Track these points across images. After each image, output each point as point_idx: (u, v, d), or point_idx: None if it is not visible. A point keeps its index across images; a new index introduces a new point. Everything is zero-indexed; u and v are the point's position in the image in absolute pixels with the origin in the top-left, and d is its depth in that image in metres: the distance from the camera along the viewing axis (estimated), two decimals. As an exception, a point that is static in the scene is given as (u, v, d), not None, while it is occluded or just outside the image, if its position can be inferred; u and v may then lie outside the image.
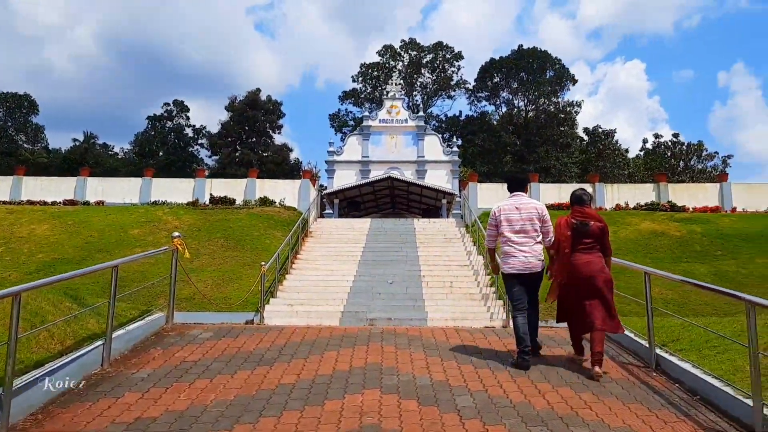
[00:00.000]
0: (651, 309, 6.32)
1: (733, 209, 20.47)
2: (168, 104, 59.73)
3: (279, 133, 57.47)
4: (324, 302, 13.63)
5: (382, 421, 4.78)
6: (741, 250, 16.96)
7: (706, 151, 48.53)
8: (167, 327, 8.03)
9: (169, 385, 5.63)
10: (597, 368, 5.89)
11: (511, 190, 6.65)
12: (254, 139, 55.12)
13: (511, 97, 55.01)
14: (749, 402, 4.58)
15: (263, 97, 56.22)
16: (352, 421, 4.79)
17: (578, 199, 6.39)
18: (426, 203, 36.04)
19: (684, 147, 48.77)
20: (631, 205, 20.75)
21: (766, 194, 21.45)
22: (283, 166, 52.60)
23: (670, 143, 49.45)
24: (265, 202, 22.81)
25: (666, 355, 6.14)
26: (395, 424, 4.73)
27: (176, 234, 8.50)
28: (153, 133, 58.48)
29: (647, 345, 6.39)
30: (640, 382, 5.79)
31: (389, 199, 37.11)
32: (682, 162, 48.26)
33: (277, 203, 22.95)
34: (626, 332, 7.15)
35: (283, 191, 23.83)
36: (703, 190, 21.86)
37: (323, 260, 16.78)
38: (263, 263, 13.08)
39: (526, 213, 6.41)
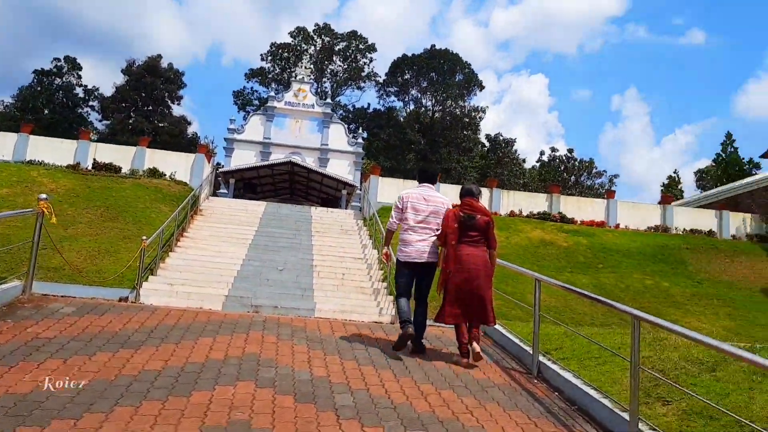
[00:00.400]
0: (539, 316, 6.31)
1: (617, 225, 21.56)
2: (58, 60, 55.36)
3: (178, 104, 54.94)
4: (208, 284, 12.94)
5: (253, 418, 4.40)
6: (621, 264, 17.85)
7: (596, 168, 51.33)
8: (23, 298, 7.20)
9: (14, 363, 4.96)
10: (465, 359, 6.23)
11: (420, 181, 6.75)
12: (150, 108, 52.33)
13: (419, 95, 55.55)
14: (626, 416, 4.58)
15: (164, 64, 53.49)
16: (219, 416, 4.37)
17: (468, 192, 6.50)
18: (326, 192, 35.60)
19: (576, 163, 51.28)
20: (525, 213, 21.38)
21: (647, 213, 22.75)
22: (179, 139, 50.30)
23: (564, 158, 51.80)
24: (154, 173, 21.52)
25: (548, 363, 6.13)
26: (266, 421, 4.36)
27: (43, 196, 7.65)
28: (39, 88, 54.06)
29: (531, 351, 6.37)
30: (521, 388, 5.74)
31: (288, 185, 36.35)
32: (573, 177, 50.72)
33: (167, 176, 21.72)
34: (512, 338, 7.15)
35: (175, 164, 22.58)
36: (591, 205, 22.87)
37: (211, 240, 16.01)
38: (145, 237, 12.22)
39: (432, 205, 6.53)
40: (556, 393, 5.67)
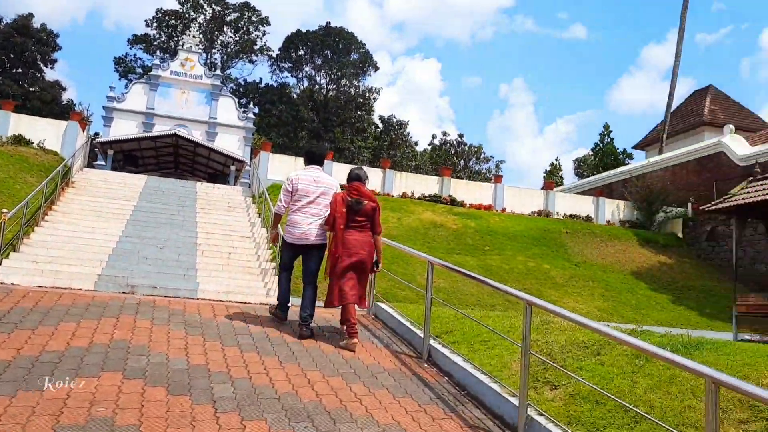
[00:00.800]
0: (431, 299, 6.18)
1: (503, 209, 22.22)
2: None
3: (52, 68, 50.61)
4: (79, 263, 11.91)
5: (118, 414, 3.93)
6: (506, 247, 18.37)
7: (484, 154, 52.87)
8: None
9: None
10: (355, 339, 6.12)
11: (308, 162, 6.68)
12: (20, 70, 47.94)
13: (314, 72, 54.61)
14: (515, 401, 4.53)
15: (37, 24, 49.08)
16: (77, 413, 3.87)
17: (356, 177, 6.52)
18: (213, 168, 34.24)
19: (466, 148, 52.58)
20: (416, 195, 21.54)
21: (531, 198, 23.63)
22: (52, 106, 46.43)
23: (455, 142, 52.95)
24: (19, 140, 19.56)
25: (439, 347, 6.03)
26: (134, 417, 3.91)
27: None
28: None
29: (422, 335, 6.25)
30: (412, 373, 5.59)
31: (173, 159, 34.59)
32: (463, 161, 51.98)
33: (35, 144, 19.85)
34: (403, 321, 7.01)
35: (45, 131, 20.63)
36: (480, 189, 23.44)
37: (84, 215, 14.79)
38: (5, 210, 11.04)
39: (323, 187, 6.49)
40: (446, 378, 5.57)
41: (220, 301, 9.82)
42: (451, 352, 5.83)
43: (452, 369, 5.61)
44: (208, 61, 50.24)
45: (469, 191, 22.72)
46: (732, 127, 25.03)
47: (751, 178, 13.28)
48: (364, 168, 24.78)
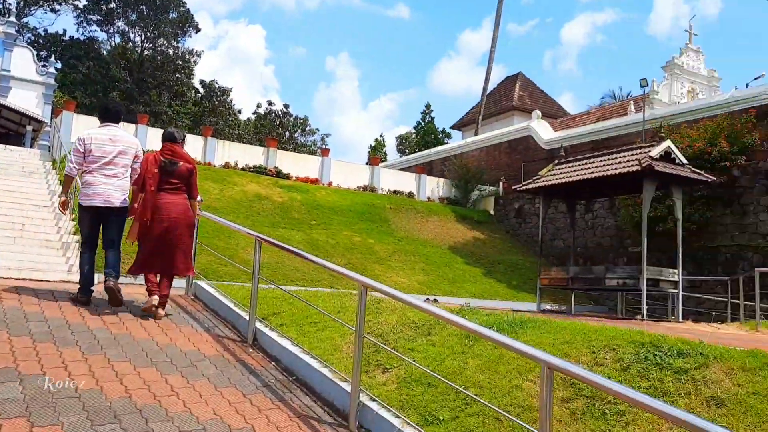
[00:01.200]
0: (258, 278, 5.79)
1: (330, 183, 22.15)
2: None
3: None
4: None
5: None
6: (332, 221, 18.32)
7: (310, 126, 52.51)
8: None
9: None
10: (161, 310, 5.92)
11: (103, 119, 6.17)
12: None
13: (127, 29, 50.18)
14: (346, 386, 4.34)
15: None
16: None
17: (170, 137, 6.14)
18: (6, 127, 30.26)
19: (292, 119, 51.83)
20: (240, 166, 20.69)
21: (357, 173, 23.82)
22: None
23: (280, 113, 51.90)
24: None
25: (265, 330, 5.68)
26: None
27: None
28: None
29: (247, 317, 5.85)
30: (236, 360, 5.19)
31: (-45, 114, 30.02)
32: (288, 132, 51.19)
33: None
34: (226, 302, 6.55)
35: None
36: (307, 161, 23.13)
37: None
38: None
39: (121, 146, 5.98)
40: (274, 363, 5.25)
41: (10, 278, 8.59)
42: (279, 335, 5.52)
43: (280, 353, 5.30)
44: (1, 6, 44.15)
45: (295, 164, 22.32)
46: (539, 113, 27.16)
47: (556, 161, 14.41)
48: (197, 139, 23.36)
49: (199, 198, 6.40)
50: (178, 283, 8.52)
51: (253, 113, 52.06)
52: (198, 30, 52.62)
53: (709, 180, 12.47)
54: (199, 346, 5.41)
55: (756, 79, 29.10)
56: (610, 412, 3.46)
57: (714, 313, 14.88)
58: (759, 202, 15.30)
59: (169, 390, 4.33)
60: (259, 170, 20.64)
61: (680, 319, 11.73)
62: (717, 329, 9.97)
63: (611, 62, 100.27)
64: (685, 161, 12.38)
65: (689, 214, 15.13)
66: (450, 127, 43.54)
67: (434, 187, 25.31)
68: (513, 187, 17.03)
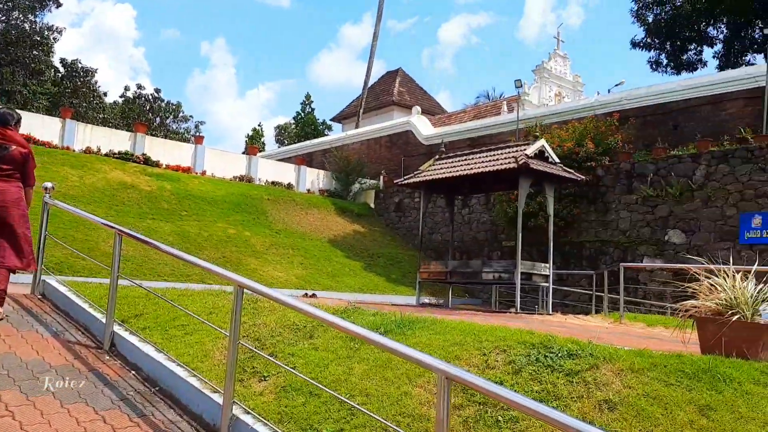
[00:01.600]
0: (117, 276, 5.14)
1: (204, 172, 21.01)
2: None
3: None
4: None
5: None
6: (205, 212, 17.38)
7: (183, 112, 49.99)
8: None
9: None
10: (0, 309, 5.39)
11: None
12: None
13: (-23, -2, 45.32)
14: (217, 398, 3.88)
15: None
16: None
17: (1, 119, 5.53)
18: None
19: (164, 104, 49.11)
20: (104, 151, 19.06)
21: (234, 163, 22.80)
22: None
23: (151, 97, 49.02)
24: None
25: (125, 334, 5.05)
26: None
27: None
28: None
29: (104, 319, 5.19)
30: (88, 370, 4.55)
31: None
32: (159, 118, 48.47)
33: None
34: (80, 302, 5.80)
35: None
36: (179, 149, 21.79)
37: None
38: None
39: None
40: (134, 372, 4.67)
41: None
42: (141, 340, 4.92)
43: (141, 361, 4.71)
44: None
45: (166, 151, 20.96)
46: (419, 108, 27.47)
47: (437, 157, 14.48)
48: (41, 115, 21.22)
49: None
50: (23, 279, 7.57)
51: (121, 96, 48.87)
52: (59, 5, 48.38)
53: (579, 179, 13.02)
54: (45, 354, 4.71)
55: (617, 85, 31.26)
56: (503, 419, 3.27)
57: (579, 305, 15.70)
58: (620, 201, 16.28)
59: (3, 409, 3.68)
60: (126, 157, 19.15)
61: (550, 312, 12.15)
62: (585, 321, 10.40)
63: (485, 63, 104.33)
64: (557, 160, 12.83)
65: (558, 210, 15.80)
66: (330, 119, 43.21)
67: (314, 179, 24.86)
68: (395, 182, 17.00)
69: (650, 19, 26.54)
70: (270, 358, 4.08)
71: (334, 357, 4.20)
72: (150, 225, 15.00)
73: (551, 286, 12.64)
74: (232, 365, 3.74)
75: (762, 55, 24.57)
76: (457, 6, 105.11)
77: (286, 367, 3.89)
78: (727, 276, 3.98)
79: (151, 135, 25.70)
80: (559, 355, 3.67)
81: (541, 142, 12.39)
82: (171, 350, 4.68)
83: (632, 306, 13.91)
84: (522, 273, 11.93)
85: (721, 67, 25.41)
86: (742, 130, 15.13)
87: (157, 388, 4.40)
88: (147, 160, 19.54)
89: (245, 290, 3.82)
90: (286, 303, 3.64)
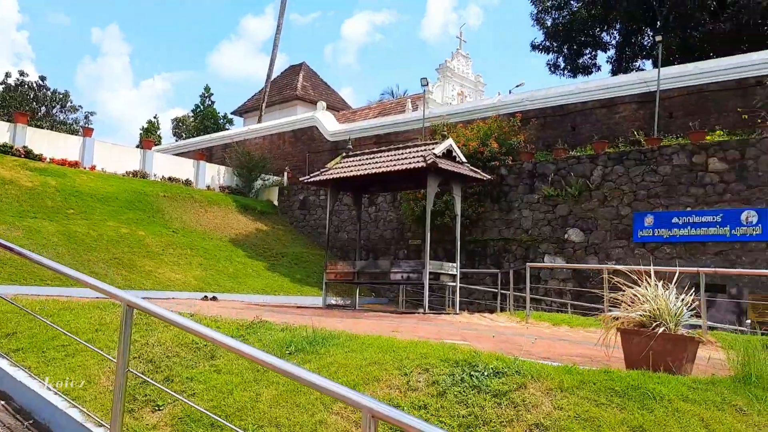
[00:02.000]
0: None
1: (93, 167, 19.55)
2: None
3: None
4: None
5: None
6: (95, 210, 16.16)
7: (71, 102, 46.80)
8: None
9: None
10: None
11: None
12: None
13: None
14: (103, 433, 3.38)
15: None
16: None
17: None
18: None
19: (49, 93, 45.76)
20: (-22, 143, 17.35)
21: (127, 157, 21.42)
22: None
23: (35, 85, 45.53)
24: None
25: (-7, 358, 4.39)
26: None
27: None
28: None
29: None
30: (-55, 404, 3.88)
31: None
32: (44, 108, 45.14)
33: None
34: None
35: None
36: (65, 141, 20.16)
37: None
38: None
39: None
40: (3, 403, 4.03)
41: None
42: (12, 364, 4.29)
43: (13, 389, 4.09)
44: None
45: (51, 143, 19.35)
46: (324, 104, 27.02)
47: (344, 154, 14.15)
48: None
49: None
50: None
51: (1, 83, 45.07)
52: (-74, -22, 44.03)
53: (486, 178, 13.11)
54: None
55: (517, 86, 32.15)
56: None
57: (485, 302, 15.89)
58: (522, 200, 16.62)
59: None
60: (4, 149, 17.51)
61: (458, 311, 12.15)
62: (493, 321, 10.43)
63: (388, 60, 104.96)
64: (464, 159, 12.86)
65: (463, 209, 15.91)
66: (232, 113, 41.84)
67: (215, 174, 23.86)
68: (300, 179, 16.53)
69: (549, 23, 27.43)
70: (164, 388, 3.61)
71: (239, 381, 3.79)
72: (31, 225, 13.74)
73: (458, 286, 12.66)
74: (120, 395, 3.25)
75: (650, 61, 26.03)
76: (360, 2, 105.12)
77: (181, 398, 3.44)
78: (649, 285, 3.92)
79: (35, 126, 23.76)
80: (485, 373, 3.45)
81: (449, 142, 12.35)
82: (49, 376, 4.09)
83: (534, 303, 14.20)
84: (430, 273, 11.85)
85: (614, 72, 26.69)
86: (635, 133, 15.84)
87: (31, 421, 3.82)
88: (29, 154, 17.97)
89: (135, 309, 3.34)
90: (182, 326, 3.19)
